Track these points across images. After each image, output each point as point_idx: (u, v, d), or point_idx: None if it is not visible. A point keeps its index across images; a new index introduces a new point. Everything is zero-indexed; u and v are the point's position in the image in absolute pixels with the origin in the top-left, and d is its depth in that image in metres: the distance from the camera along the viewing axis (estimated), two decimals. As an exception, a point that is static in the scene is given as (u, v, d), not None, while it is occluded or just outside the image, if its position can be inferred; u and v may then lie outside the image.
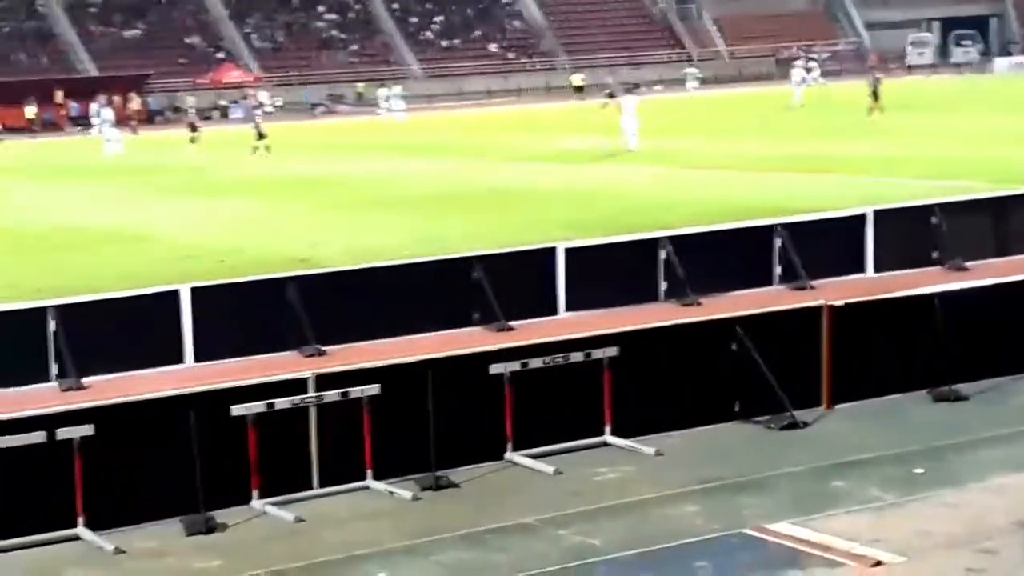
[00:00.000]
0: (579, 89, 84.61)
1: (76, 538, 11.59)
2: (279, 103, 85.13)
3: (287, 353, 17.27)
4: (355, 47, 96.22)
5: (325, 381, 12.73)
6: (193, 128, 58.31)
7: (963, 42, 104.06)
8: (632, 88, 50.55)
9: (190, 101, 68.39)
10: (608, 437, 13.65)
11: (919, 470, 12.53)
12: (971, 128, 47.27)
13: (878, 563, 10.19)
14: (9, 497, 11.57)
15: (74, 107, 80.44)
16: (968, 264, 21.06)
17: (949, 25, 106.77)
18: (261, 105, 64.55)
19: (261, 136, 51.48)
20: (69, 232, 30.67)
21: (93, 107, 59.92)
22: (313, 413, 12.59)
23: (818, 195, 29.05)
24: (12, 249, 28.13)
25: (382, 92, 78.10)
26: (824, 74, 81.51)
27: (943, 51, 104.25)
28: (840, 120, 54.03)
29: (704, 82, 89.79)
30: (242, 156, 50.52)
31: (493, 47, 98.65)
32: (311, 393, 12.58)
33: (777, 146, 44.17)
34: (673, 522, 11.49)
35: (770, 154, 41.21)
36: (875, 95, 54.16)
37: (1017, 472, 12.28)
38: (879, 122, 51.39)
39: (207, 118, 78.74)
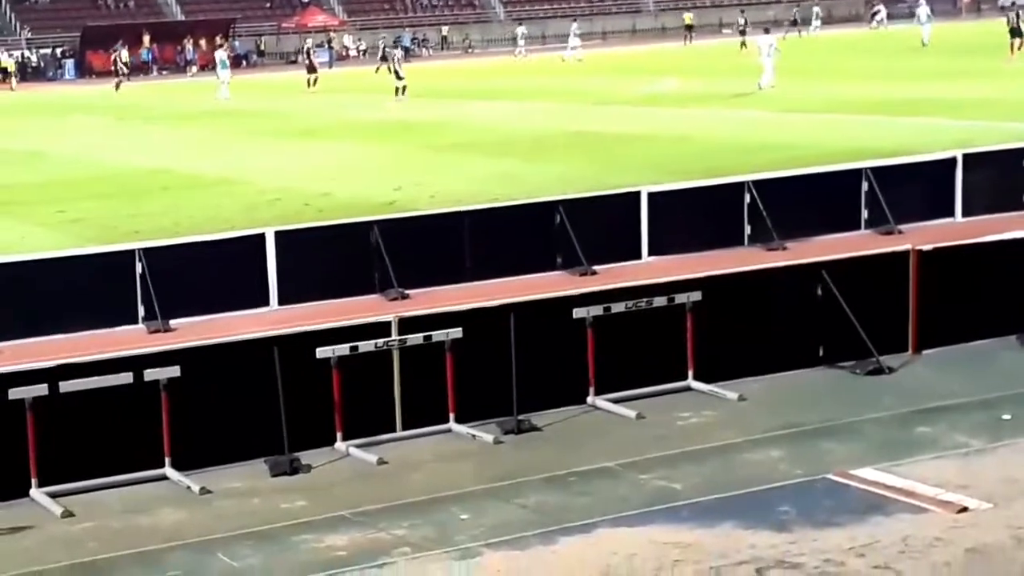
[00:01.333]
0: (689, 28, 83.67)
1: (163, 478, 11.76)
2: (363, 47, 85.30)
3: (371, 296, 17.36)
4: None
5: (408, 324, 12.78)
6: (312, 69, 58.57)
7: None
8: (767, 28, 50.29)
9: (309, 42, 68.85)
10: (691, 382, 13.60)
11: (1007, 416, 12.38)
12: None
13: (964, 509, 10.09)
14: (98, 437, 11.75)
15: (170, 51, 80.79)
16: (1060, 208, 20.71)
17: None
18: (346, 49, 64.68)
19: (399, 77, 51.12)
20: (163, 175, 31.04)
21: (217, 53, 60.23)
22: (396, 356, 12.65)
23: (912, 138, 28.64)
24: (108, 192, 28.48)
25: (520, 30, 78.44)
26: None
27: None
28: (940, 62, 53.21)
29: (824, 22, 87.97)
30: (367, 100, 50.53)
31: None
32: (394, 336, 12.63)
33: (877, 88, 43.54)
34: (756, 467, 11.44)
35: (851, 96, 40.69)
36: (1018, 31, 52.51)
37: (1107, 419, 12.11)
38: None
39: (292, 62, 79.14)
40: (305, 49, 65.02)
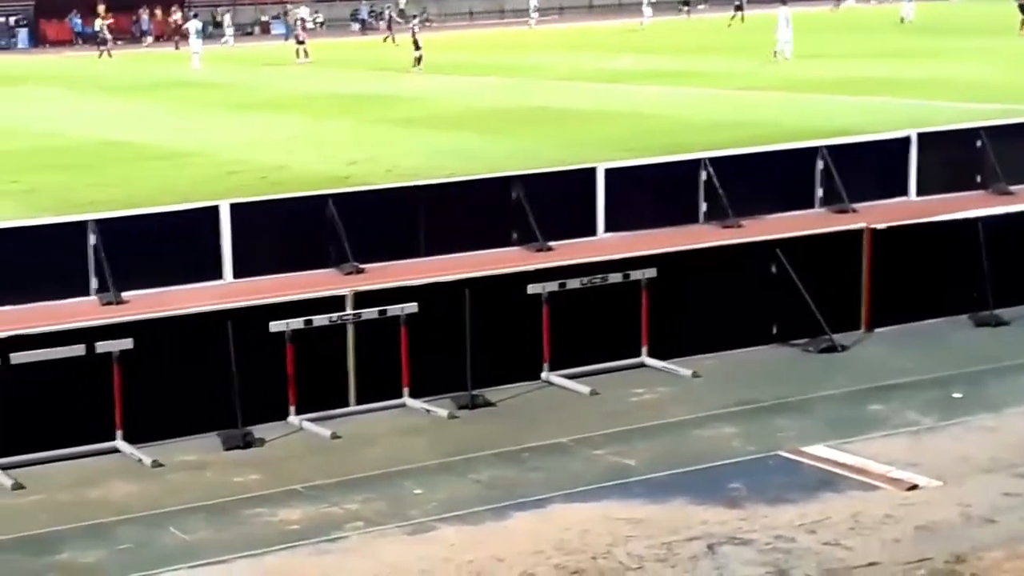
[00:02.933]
0: (686, 2, 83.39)
1: (115, 451, 11.70)
2: (320, 19, 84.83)
3: (326, 271, 17.31)
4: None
5: (363, 299, 12.75)
6: (300, 41, 58.36)
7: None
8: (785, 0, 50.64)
9: (300, 12, 68.64)
10: (645, 358, 13.64)
11: (958, 394, 12.47)
12: (1001, 50, 46.70)
13: (914, 487, 10.17)
14: (49, 409, 11.67)
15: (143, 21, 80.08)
16: (1012, 188, 20.86)
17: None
18: (303, 21, 64.31)
19: (417, 47, 50.94)
20: (119, 147, 30.84)
21: (190, 22, 59.81)
22: (351, 330, 12.62)
23: (868, 118, 28.76)
24: (63, 164, 28.26)
25: (533, 3, 78.58)
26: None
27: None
28: (898, 41, 53.42)
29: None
30: (306, 71, 50.34)
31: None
32: (349, 310, 12.60)
33: (834, 67, 43.66)
34: (708, 443, 11.50)
35: (825, 76, 40.81)
36: None
37: (1057, 398, 12.22)
38: None
39: (249, 34, 78.68)
40: (295, 21, 64.70)
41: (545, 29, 73.14)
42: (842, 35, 58.93)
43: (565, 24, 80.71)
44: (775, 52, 47.43)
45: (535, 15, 78.02)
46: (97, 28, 67.36)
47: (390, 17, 69.92)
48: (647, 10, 73.31)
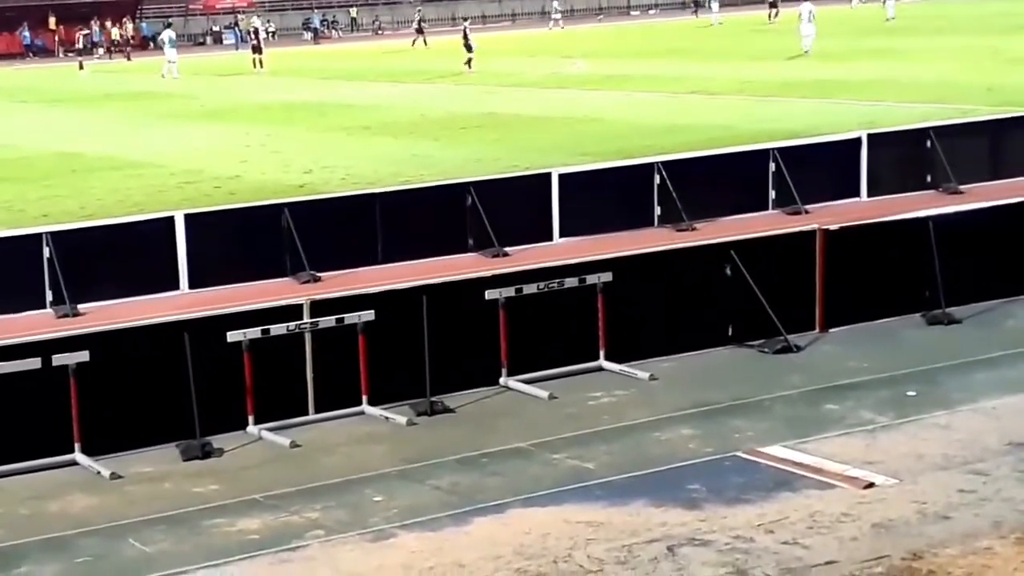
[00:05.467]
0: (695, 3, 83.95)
1: (73, 463, 11.65)
2: (272, 28, 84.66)
3: (282, 280, 17.30)
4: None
5: (320, 307, 12.75)
6: (257, 50, 58.19)
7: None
8: None
9: (255, 22, 68.71)
10: (602, 362, 13.69)
11: (912, 393, 12.58)
12: (961, 50, 47.11)
13: (870, 485, 10.26)
14: (6, 423, 11.62)
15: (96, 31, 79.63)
16: (962, 187, 21.06)
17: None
18: (257, 31, 64.15)
19: (470, 49, 51.01)
20: (72, 158, 30.68)
21: (163, 32, 59.56)
22: (308, 339, 12.62)
23: (813, 119, 28.96)
24: (15, 176, 28.09)
25: (554, 4, 79.77)
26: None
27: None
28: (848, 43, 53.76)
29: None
30: (262, 81, 50.25)
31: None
32: (306, 319, 12.60)
33: (778, 70, 43.94)
34: (667, 446, 11.56)
35: (762, 78, 41.04)
36: None
37: (1009, 394, 12.34)
38: None
39: (200, 44, 78.44)
40: (252, 30, 64.57)
41: (501, 35, 73.19)
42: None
43: (519, 31, 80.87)
44: (804, 49, 49.15)
45: (557, 15, 79.75)
46: (115, 37, 66.79)
47: (419, 23, 70.57)
48: (653, 10, 75.01)
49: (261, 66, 57.03)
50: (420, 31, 68.75)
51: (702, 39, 63.00)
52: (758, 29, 67.75)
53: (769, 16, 72.14)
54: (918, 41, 52.31)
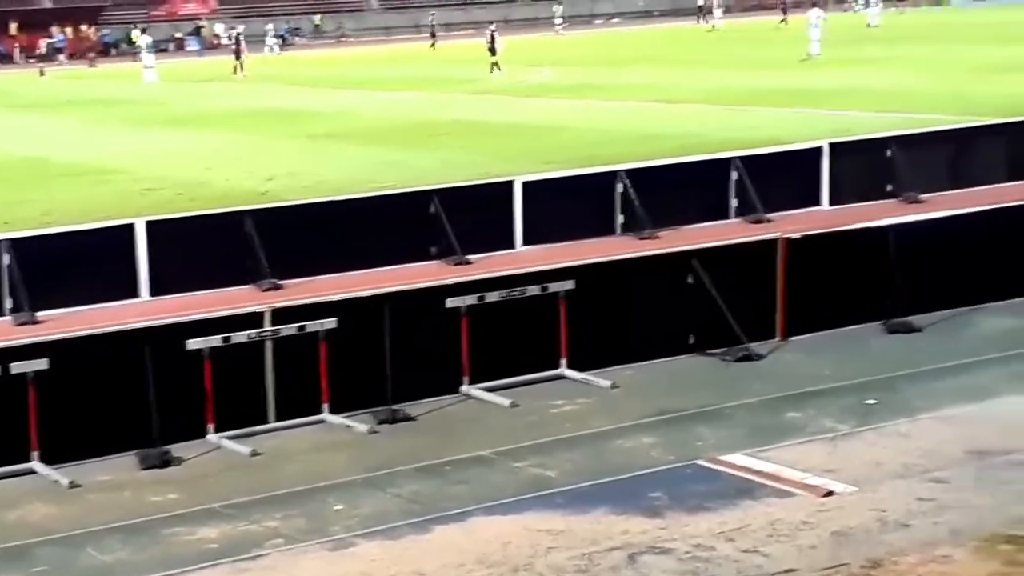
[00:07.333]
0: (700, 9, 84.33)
1: (31, 472, 11.57)
2: (235, 35, 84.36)
3: (244, 287, 17.20)
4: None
5: (282, 315, 12.71)
6: (238, 55, 58.10)
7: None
8: (815, 2, 53.10)
9: (239, 29, 68.69)
10: (564, 370, 13.69)
11: (872, 401, 12.64)
12: (935, 59, 47.42)
13: (830, 493, 10.29)
14: (-37, 432, 11.54)
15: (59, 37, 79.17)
16: (923, 196, 21.13)
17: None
18: (239, 37, 63.90)
19: (493, 52, 51.21)
20: (37, 164, 30.49)
21: (137, 35, 59.29)
22: (269, 347, 12.58)
23: (782, 128, 29.06)
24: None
25: (556, 8, 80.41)
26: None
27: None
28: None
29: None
30: (227, 87, 50.08)
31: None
32: (267, 327, 12.55)
33: (740, 78, 44.10)
34: (628, 454, 11.57)
35: (733, 86, 41.17)
36: None
37: (968, 402, 12.40)
38: None
39: (163, 50, 78.11)
40: (235, 36, 64.39)
41: (469, 43, 73.15)
42: (787, 46, 59.30)
43: (480, 39, 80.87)
44: (808, 54, 50.46)
45: (560, 21, 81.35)
46: (143, 44, 66.12)
47: (432, 28, 73.45)
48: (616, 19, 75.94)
49: (242, 70, 56.93)
50: (433, 35, 72.33)
51: (683, 47, 63.14)
52: (752, 37, 67.91)
53: (783, 21, 72.96)
54: (895, 49, 52.61)
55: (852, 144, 22.37)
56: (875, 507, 9.94)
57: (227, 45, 76.27)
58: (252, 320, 12.63)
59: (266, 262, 17.27)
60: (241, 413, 12.41)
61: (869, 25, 68.31)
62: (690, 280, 14.22)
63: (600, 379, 13.51)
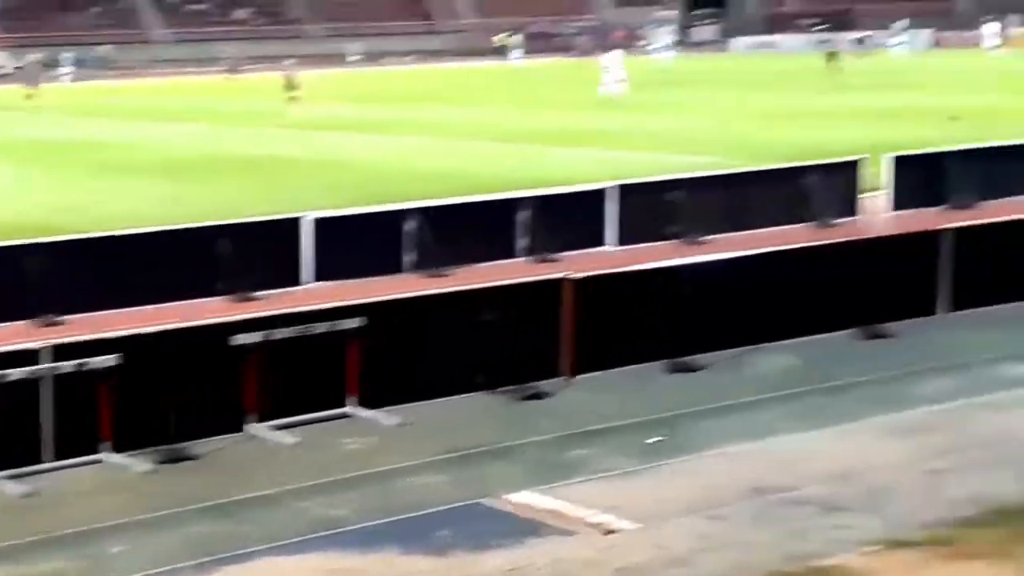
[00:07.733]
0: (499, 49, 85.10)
1: None
2: (20, 65, 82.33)
3: (21, 322, 16.74)
4: (98, 9, 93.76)
5: (61, 351, 12.36)
6: (33, 83, 56.68)
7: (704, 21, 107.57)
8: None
9: (37, 56, 66.94)
10: (352, 408, 13.60)
11: (657, 439, 12.82)
12: (717, 105, 48.68)
13: (611, 531, 10.40)
14: None
15: None
16: (705, 238, 21.64)
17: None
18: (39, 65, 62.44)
19: (291, 87, 50.28)
20: None
21: None
22: (47, 384, 12.22)
23: (567, 168, 29.47)
24: None
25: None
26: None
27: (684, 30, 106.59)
28: (584, 94, 54.89)
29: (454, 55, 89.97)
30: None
31: (241, 13, 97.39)
32: (45, 363, 12.21)
33: (531, 118, 44.64)
34: (416, 492, 11.52)
35: (523, 126, 41.64)
36: None
37: (750, 440, 12.66)
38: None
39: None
40: (35, 64, 62.77)
41: (264, 76, 72.58)
42: (583, 87, 59.99)
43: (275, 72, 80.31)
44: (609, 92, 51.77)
45: (356, 58, 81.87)
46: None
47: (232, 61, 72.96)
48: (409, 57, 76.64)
49: (34, 98, 55.78)
50: (232, 69, 73.85)
51: (479, 86, 63.54)
52: (551, 78, 68.68)
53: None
54: (684, 93, 53.81)
55: (638, 186, 22.84)
56: (659, 544, 10.08)
57: (9, 75, 74.46)
58: (29, 357, 12.26)
59: (47, 297, 16.86)
60: (16, 452, 12.02)
61: (661, 69, 70.11)
62: (478, 319, 14.27)
63: (389, 417, 13.46)
